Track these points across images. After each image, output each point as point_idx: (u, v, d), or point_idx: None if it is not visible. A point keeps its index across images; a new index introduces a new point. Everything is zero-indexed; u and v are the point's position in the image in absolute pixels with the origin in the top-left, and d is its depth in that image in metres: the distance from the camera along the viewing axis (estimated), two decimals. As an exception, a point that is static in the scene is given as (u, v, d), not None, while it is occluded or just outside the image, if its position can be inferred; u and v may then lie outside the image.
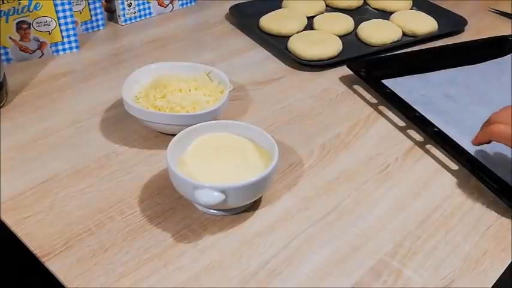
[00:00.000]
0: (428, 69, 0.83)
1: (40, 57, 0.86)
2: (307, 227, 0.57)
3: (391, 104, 0.75)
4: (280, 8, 1.01)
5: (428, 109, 0.73)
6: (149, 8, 1.00)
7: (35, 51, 0.85)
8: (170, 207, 0.58)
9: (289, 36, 0.90)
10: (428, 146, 0.69)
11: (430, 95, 0.77)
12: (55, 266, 0.51)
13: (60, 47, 0.87)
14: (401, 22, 0.96)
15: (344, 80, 0.83)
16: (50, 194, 0.59)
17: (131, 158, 0.65)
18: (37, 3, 0.81)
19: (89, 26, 0.94)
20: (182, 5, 1.05)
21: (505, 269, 0.53)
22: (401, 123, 0.73)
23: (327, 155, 0.67)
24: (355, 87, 0.81)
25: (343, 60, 0.86)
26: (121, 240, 0.54)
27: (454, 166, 0.66)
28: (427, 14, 0.99)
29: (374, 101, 0.78)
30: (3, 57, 0.82)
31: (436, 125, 0.69)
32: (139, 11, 0.99)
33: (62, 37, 0.86)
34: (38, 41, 0.85)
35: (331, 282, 0.51)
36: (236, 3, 1.03)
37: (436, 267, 0.53)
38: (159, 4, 1.01)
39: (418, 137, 0.70)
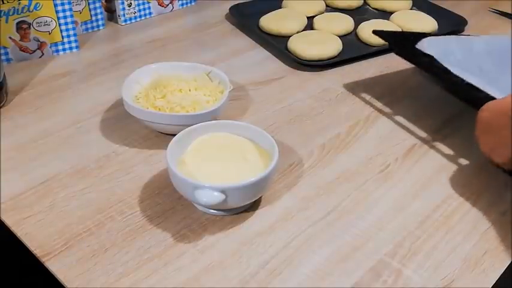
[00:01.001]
0: None
1: (40, 57, 0.86)
2: (307, 227, 0.57)
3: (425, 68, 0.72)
4: (280, 8, 1.01)
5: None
6: (149, 8, 1.00)
7: (35, 51, 0.85)
8: (170, 207, 0.58)
9: (289, 36, 0.90)
10: (428, 146, 0.69)
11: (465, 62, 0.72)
12: (55, 266, 0.51)
13: (60, 47, 0.87)
14: (401, 22, 0.96)
15: (344, 80, 0.83)
16: (50, 194, 0.59)
17: (131, 158, 0.65)
18: (37, 3, 0.81)
19: (89, 26, 0.94)
20: (182, 5, 1.05)
21: (505, 269, 0.53)
22: (402, 122, 0.73)
23: (327, 155, 0.67)
24: (355, 87, 0.81)
25: (343, 60, 0.86)
26: (121, 240, 0.54)
27: (454, 166, 0.66)
28: (427, 14, 0.99)
29: (374, 101, 0.78)
30: (3, 57, 0.82)
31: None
32: (139, 11, 0.99)
33: (62, 37, 0.86)
34: (38, 41, 0.85)
35: (331, 282, 0.51)
36: (236, 3, 1.03)
37: (436, 267, 0.53)
38: (159, 4, 1.01)
39: (419, 137, 0.70)
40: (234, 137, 0.61)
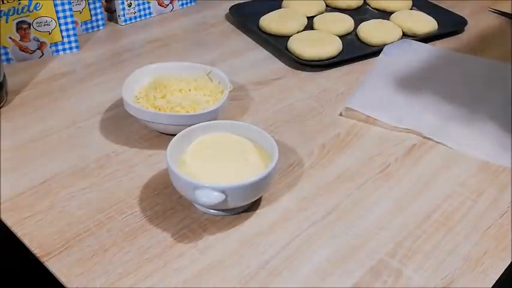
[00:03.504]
0: None
1: (40, 57, 0.86)
2: (307, 227, 0.57)
3: None
4: (280, 8, 1.01)
5: None
6: (149, 8, 1.00)
7: (35, 51, 0.85)
8: (170, 207, 0.58)
9: (289, 36, 0.90)
10: (428, 146, 0.69)
11: None
12: (55, 266, 0.51)
13: (60, 47, 0.87)
14: (401, 22, 0.96)
15: (344, 80, 0.83)
16: (50, 194, 0.59)
17: (131, 158, 0.65)
18: (37, 3, 0.81)
19: (89, 26, 0.94)
20: (182, 5, 1.05)
21: (505, 269, 0.53)
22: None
23: (327, 155, 0.67)
24: (355, 87, 0.81)
25: (343, 60, 0.86)
26: (121, 240, 0.54)
27: (455, 166, 0.66)
28: (427, 14, 0.99)
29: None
30: (3, 57, 0.82)
31: None
32: (139, 11, 0.99)
33: (62, 37, 0.86)
34: (38, 41, 0.85)
35: (331, 282, 0.51)
36: (236, 3, 1.03)
37: (436, 267, 0.53)
38: (159, 4, 1.01)
39: (418, 137, 0.70)
40: (234, 137, 0.61)
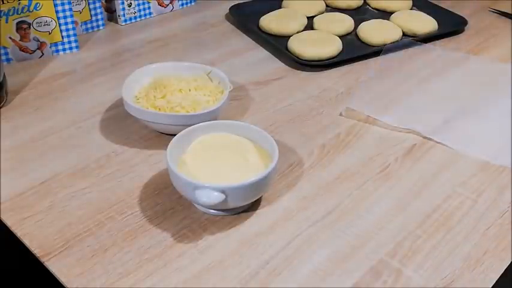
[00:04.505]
0: None
1: (40, 57, 0.86)
2: (307, 227, 0.57)
3: None
4: (280, 8, 1.01)
5: None
6: (149, 8, 1.00)
7: (35, 51, 0.85)
8: (170, 207, 0.58)
9: (289, 36, 0.90)
10: (428, 146, 0.69)
11: None
12: (55, 266, 0.51)
13: (60, 47, 0.87)
14: (401, 22, 0.96)
15: (344, 80, 0.83)
16: (50, 194, 0.59)
17: (131, 158, 0.65)
18: (37, 3, 0.81)
19: (89, 26, 0.94)
20: (182, 5, 1.05)
21: (505, 269, 0.53)
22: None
23: (327, 155, 0.67)
24: (355, 87, 0.81)
25: (343, 60, 0.86)
26: (121, 240, 0.54)
27: (454, 166, 0.66)
28: (427, 14, 0.99)
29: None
30: (3, 57, 0.82)
31: None
32: (139, 11, 0.99)
33: (62, 37, 0.86)
34: (38, 41, 0.85)
35: (331, 282, 0.51)
36: (236, 3, 1.03)
37: (436, 267, 0.52)
38: (159, 4, 1.01)
39: (418, 137, 0.70)
40: (234, 137, 0.61)
